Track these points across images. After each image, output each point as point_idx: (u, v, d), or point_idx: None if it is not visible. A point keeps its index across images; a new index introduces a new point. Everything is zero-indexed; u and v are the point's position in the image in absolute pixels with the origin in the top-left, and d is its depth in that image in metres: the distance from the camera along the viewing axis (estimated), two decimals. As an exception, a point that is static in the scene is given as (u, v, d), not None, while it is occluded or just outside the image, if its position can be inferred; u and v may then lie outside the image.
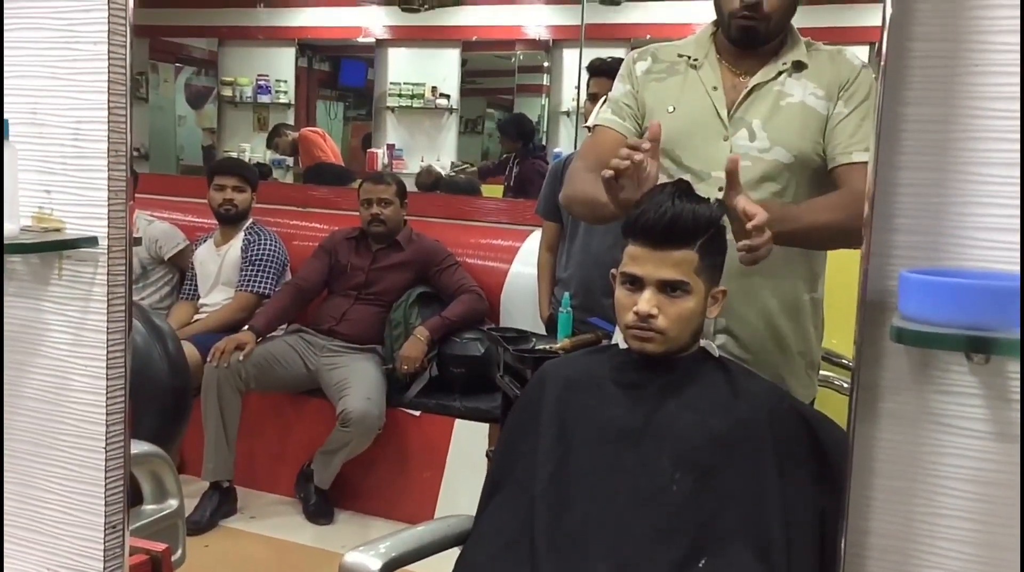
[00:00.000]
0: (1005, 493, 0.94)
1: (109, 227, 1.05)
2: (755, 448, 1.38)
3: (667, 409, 1.42)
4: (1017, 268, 0.91)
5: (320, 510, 3.25)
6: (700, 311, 1.43)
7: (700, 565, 1.29)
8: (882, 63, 0.88)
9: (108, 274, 1.05)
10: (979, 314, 0.80)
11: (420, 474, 3.27)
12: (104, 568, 1.07)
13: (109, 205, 1.06)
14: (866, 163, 1.52)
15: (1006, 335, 0.79)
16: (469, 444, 3.16)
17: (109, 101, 1.05)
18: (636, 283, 1.41)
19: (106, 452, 1.06)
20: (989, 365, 0.91)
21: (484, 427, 3.15)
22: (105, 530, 1.07)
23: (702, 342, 1.50)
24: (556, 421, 1.46)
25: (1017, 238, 0.91)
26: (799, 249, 1.61)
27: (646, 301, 1.39)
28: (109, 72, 1.05)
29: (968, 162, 0.92)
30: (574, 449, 1.42)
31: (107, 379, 1.06)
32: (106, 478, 1.06)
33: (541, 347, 2.53)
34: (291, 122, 6.19)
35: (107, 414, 1.06)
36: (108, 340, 1.05)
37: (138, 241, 3.46)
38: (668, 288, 1.39)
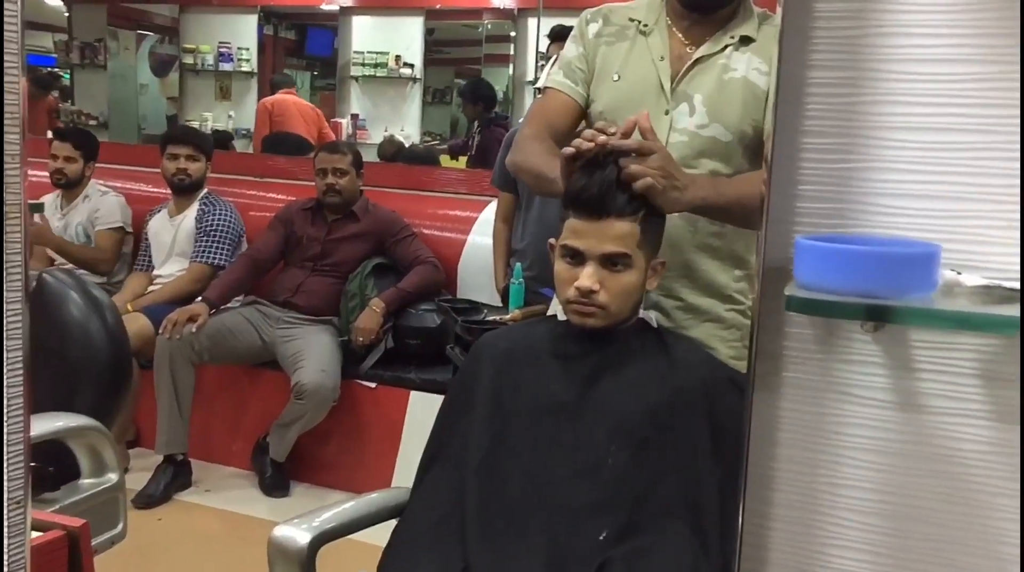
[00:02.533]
0: (906, 463, 0.93)
1: (4, 192, 1.01)
2: (690, 419, 1.38)
3: (604, 382, 1.41)
4: (919, 235, 0.89)
5: (276, 483, 3.25)
6: (641, 283, 1.42)
7: (600, 538, 1.28)
8: (780, 23, 0.86)
9: (4, 241, 1.01)
10: (872, 281, 0.77)
11: (376, 446, 3.27)
12: (7, 544, 1.04)
13: (4, 169, 1.01)
14: None
15: (899, 303, 0.77)
16: (425, 416, 3.08)
17: (2, 57, 1.00)
18: (577, 257, 1.39)
19: (6, 425, 1.03)
20: (891, 334, 0.90)
21: (439, 399, 3.08)
22: (8, 505, 1.04)
23: (641, 313, 1.49)
24: (492, 394, 1.45)
25: (924, 204, 0.89)
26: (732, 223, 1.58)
27: (588, 277, 1.37)
28: (2, 25, 1.00)
29: (875, 126, 0.89)
30: (510, 423, 1.42)
31: (6, 350, 1.02)
32: (7, 451, 1.03)
33: (491, 318, 2.63)
34: (254, 91, 6.12)
35: (7, 386, 1.02)
36: (6, 309, 1.02)
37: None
38: (610, 262, 1.38)
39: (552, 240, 1.46)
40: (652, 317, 1.52)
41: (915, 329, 0.88)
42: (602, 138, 1.35)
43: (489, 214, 3.45)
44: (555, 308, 1.59)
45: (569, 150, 1.37)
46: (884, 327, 0.86)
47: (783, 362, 0.94)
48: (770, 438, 0.94)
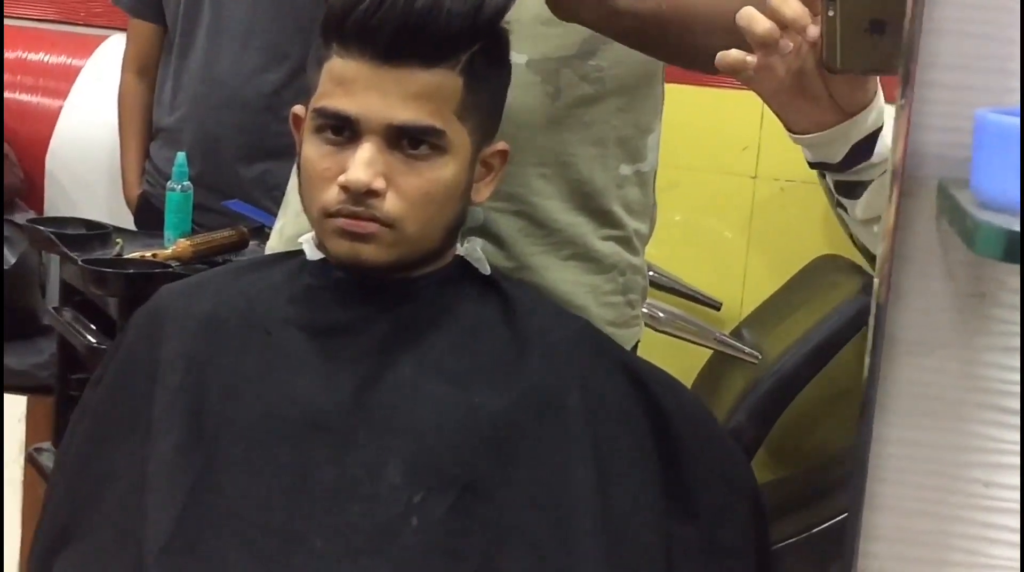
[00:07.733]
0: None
1: None
2: (557, 439, 1.41)
3: (399, 375, 1.43)
4: None
5: None
6: (463, 189, 1.43)
7: None
8: None
9: None
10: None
11: None
12: None
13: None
14: None
15: None
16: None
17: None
18: (346, 131, 1.40)
19: None
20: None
21: (19, 404, 3.10)
22: None
23: (461, 248, 1.51)
24: (186, 403, 1.44)
25: None
26: (616, 81, 1.60)
27: (364, 165, 1.37)
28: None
29: None
30: (222, 457, 1.42)
31: None
32: None
33: (135, 255, 2.48)
34: None
35: None
36: None
37: None
38: (407, 141, 1.39)
39: (299, 108, 1.47)
40: (480, 254, 1.54)
41: None
42: None
43: (109, 59, 3.41)
44: (287, 236, 1.64)
45: None
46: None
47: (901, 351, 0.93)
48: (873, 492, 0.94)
